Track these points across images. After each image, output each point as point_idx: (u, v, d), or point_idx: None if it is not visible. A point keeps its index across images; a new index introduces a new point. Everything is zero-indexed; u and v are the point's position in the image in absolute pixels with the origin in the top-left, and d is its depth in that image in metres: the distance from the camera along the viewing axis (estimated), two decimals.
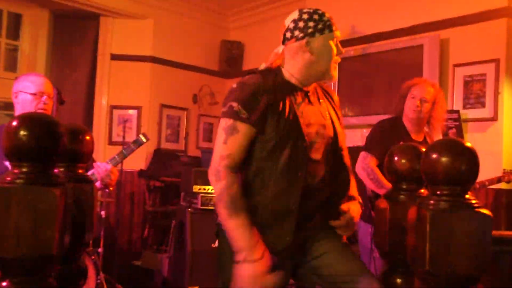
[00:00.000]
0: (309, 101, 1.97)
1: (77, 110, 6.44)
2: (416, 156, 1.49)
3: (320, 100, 2.02)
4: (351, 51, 5.44)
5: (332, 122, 2.01)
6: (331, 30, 1.95)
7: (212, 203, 4.56)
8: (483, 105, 4.41)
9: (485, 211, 1.18)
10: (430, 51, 4.67)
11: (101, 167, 2.81)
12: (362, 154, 3.22)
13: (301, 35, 1.95)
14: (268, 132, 1.85)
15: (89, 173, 2.76)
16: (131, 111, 6.52)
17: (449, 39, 4.70)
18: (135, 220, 6.44)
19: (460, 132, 4.37)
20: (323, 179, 1.93)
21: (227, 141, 1.85)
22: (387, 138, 3.13)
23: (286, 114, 1.87)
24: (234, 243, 1.78)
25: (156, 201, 6.30)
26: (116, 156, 2.98)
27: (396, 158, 1.57)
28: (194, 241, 4.58)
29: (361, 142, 4.91)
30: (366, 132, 4.76)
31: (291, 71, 1.99)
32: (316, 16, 1.95)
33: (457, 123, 4.38)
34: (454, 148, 1.21)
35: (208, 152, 5.88)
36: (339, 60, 1.98)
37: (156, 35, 6.59)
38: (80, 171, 1.43)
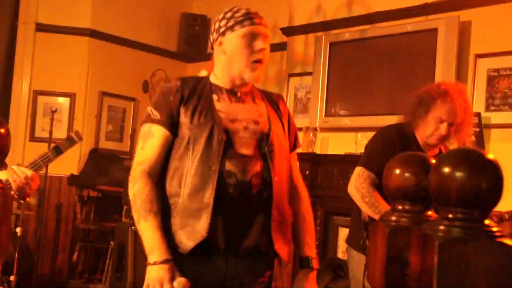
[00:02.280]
0: (238, 100, 2.35)
1: None
2: (423, 170, 1.48)
3: (256, 100, 2.40)
4: (345, 34, 5.47)
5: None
6: (244, 25, 2.27)
7: None
8: (511, 106, 4.47)
9: (509, 241, 1.18)
10: (447, 36, 4.72)
11: (18, 172, 2.76)
12: (358, 170, 3.20)
13: (216, 36, 2.36)
14: (182, 131, 2.25)
15: (3, 178, 2.71)
16: (61, 99, 6.45)
17: (470, 23, 4.77)
18: (62, 239, 6.36)
19: (480, 141, 4.43)
20: (260, 175, 2.24)
21: (143, 147, 2.28)
22: (391, 152, 3.11)
23: (201, 111, 2.26)
24: (144, 246, 2.18)
25: (90, 216, 6.25)
26: (38, 159, 2.93)
27: (398, 171, 1.56)
28: (137, 269, 4.54)
29: (354, 149, 4.95)
30: (361, 137, 4.81)
31: (217, 74, 2.39)
32: (229, 14, 2.32)
33: (477, 129, 4.43)
34: (472, 161, 1.21)
35: None
36: (261, 57, 2.28)
37: (96, 1, 6.53)
38: None
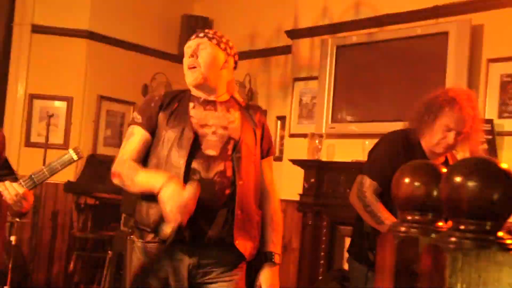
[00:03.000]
0: (212, 109, 2.76)
1: None
2: (434, 179, 1.48)
3: (230, 109, 2.79)
4: (353, 37, 5.48)
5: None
6: (189, 39, 2.84)
7: None
8: None
9: None
10: (458, 40, 4.72)
11: (10, 189, 2.75)
12: (360, 178, 3.19)
13: None
14: (159, 131, 2.68)
15: None
16: (58, 103, 6.46)
17: (483, 26, 4.77)
18: (58, 248, 6.36)
19: (493, 148, 4.43)
20: (224, 174, 2.62)
21: (125, 146, 2.72)
22: (395, 160, 3.10)
23: (176, 115, 2.70)
24: (147, 187, 2.51)
25: (87, 225, 6.24)
26: (33, 176, 2.89)
27: (407, 180, 1.56)
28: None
29: (361, 156, 4.94)
30: (369, 144, 4.80)
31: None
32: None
33: (490, 137, 4.43)
34: (484, 170, 1.21)
35: None
36: (191, 63, 2.73)
37: (95, 2, 6.54)
38: None
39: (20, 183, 2.80)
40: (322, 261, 5.45)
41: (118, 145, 6.67)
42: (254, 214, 2.71)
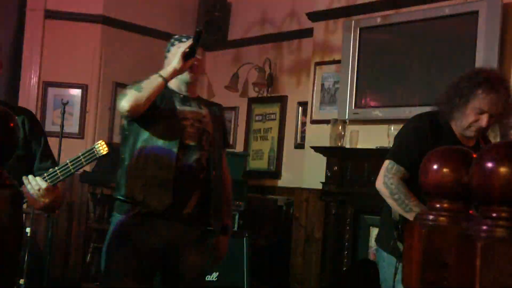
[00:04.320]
0: (187, 104, 3.26)
1: None
2: (464, 165, 1.46)
3: (201, 106, 3.33)
4: (377, 18, 5.44)
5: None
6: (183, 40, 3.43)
7: None
8: None
9: None
10: (488, 20, 4.68)
11: (32, 183, 2.78)
12: (386, 163, 3.16)
13: None
14: (148, 119, 3.10)
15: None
16: (72, 91, 6.49)
17: None
18: (74, 240, 6.42)
19: None
20: (198, 161, 3.16)
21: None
22: (423, 144, 3.08)
23: (164, 108, 3.17)
24: (157, 84, 3.09)
25: (104, 215, 6.28)
26: (57, 170, 2.89)
27: (435, 167, 1.55)
28: None
29: (386, 142, 4.92)
30: (394, 130, 4.78)
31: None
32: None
33: None
34: None
35: None
36: (198, 63, 3.29)
37: None
38: None
39: (44, 178, 2.82)
40: (346, 252, 5.45)
41: None
42: (222, 195, 3.36)
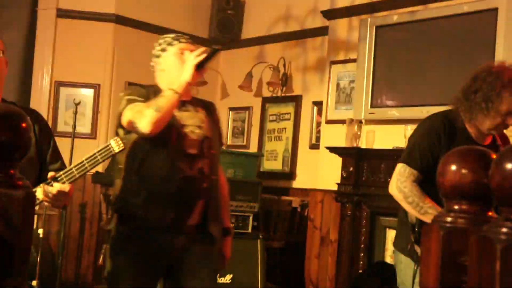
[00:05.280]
0: (184, 109, 3.14)
1: (7, 87, 6.43)
2: (483, 165, 1.45)
3: (197, 109, 3.22)
4: (394, 16, 5.42)
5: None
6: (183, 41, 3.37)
7: None
8: None
9: None
10: (508, 17, 4.65)
11: (49, 189, 2.79)
12: (399, 167, 3.14)
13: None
14: None
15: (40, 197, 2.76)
16: (84, 91, 6.51)
17: None
18: (86, 241, 6.43)
19: None
20: (201, 170, 3.08)
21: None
22: (436, 144, 3.07)
23: None
24: (170, 97, 2.93)
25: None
26: (74, 169, 2.91)
27: (454, 168, 1.53)
28: None
29: (403, 143, 4.90)
30: (411, 130, 4.76)
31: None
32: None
33: None
34: None
35: None
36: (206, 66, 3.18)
37: None
38: (11, 171, 1.39)
39: (60, 177, 2.82)
40: (362, 254, 5.43)
41: None
42: (221, 200, 3.31)
